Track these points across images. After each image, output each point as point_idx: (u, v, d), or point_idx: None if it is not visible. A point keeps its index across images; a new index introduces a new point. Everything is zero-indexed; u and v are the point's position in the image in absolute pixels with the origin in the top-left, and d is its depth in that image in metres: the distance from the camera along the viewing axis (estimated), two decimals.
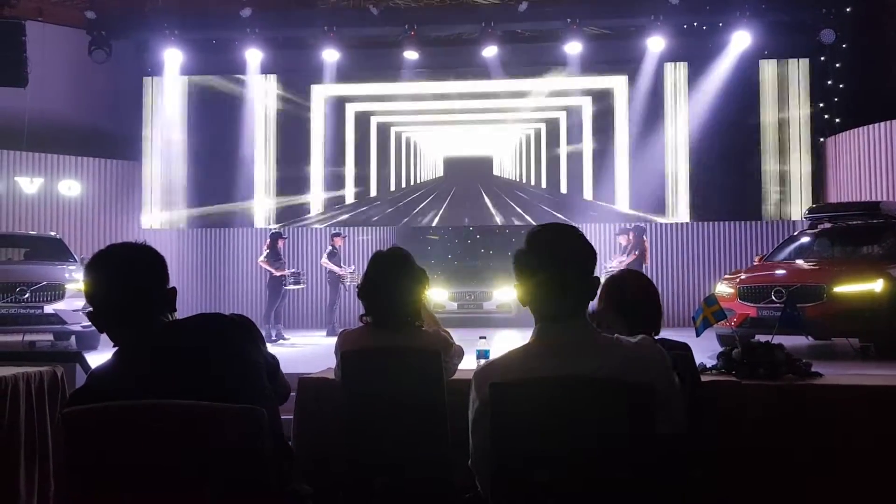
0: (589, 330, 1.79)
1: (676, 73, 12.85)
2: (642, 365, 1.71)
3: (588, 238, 1.86)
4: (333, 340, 2.97)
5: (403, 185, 13.60)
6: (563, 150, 13.25)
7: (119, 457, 1.64)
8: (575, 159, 13.21)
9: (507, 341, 8.82)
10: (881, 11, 12.08)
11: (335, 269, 11.35)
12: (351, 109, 13.63)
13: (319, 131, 13.61)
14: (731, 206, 12.75)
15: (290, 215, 13.64)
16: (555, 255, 1.79)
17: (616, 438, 1.64)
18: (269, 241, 10.97)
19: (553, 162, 13.30)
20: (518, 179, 13.41)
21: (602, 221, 12.90)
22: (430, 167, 13.56)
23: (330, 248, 11.55)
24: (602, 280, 2.60)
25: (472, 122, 13.55)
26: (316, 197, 13.64)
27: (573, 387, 1.69)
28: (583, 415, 1.66)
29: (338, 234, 11.78)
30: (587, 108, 13.19)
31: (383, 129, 13.62)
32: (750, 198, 12.68)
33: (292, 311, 13.37)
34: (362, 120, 13.64)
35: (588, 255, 1.83)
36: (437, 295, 12.34)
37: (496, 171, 13.45)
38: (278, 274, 10.74)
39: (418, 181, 13.58)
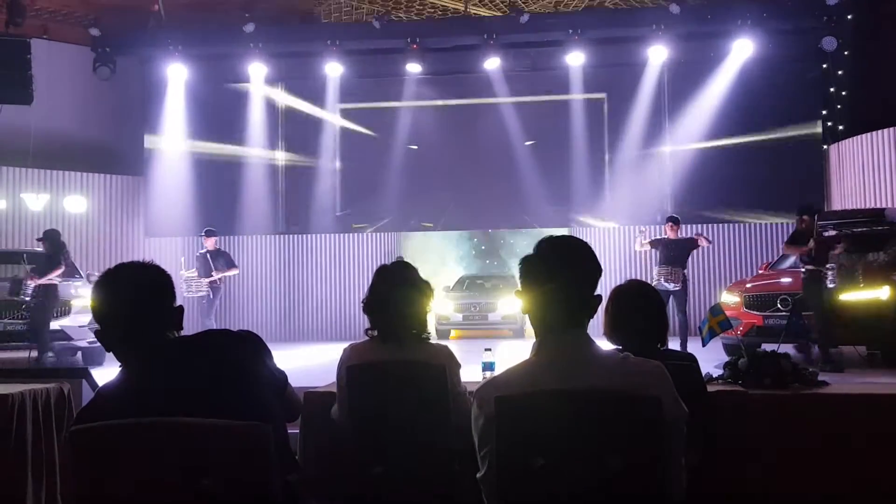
0: (589, 344, 1.79)
1: (679, 79, 12.84)
2: (644, 381, 1.71)
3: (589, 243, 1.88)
4: None
5: (404, 190, 13.42)
6: (569, 152, 13.17)
7: (126, 474, 1.64)
8: (580, 163, 13.15)
9: (513, 353, 8.80)
10: (882, 18, 12.10)
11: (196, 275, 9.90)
12: (353, 115, 13.57)
13: (322, 138, 13.59)
14: (732, 212, 12.74)
15: (293, 222, 13.62)
16: (563, 267, 1.80)
17: (621, 450, 1.64)
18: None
19: (560, 165, 13.20)
20: (524, 184, 13.24)
21: (605, 226, 12.95)
22: (432, 171, 13.42)
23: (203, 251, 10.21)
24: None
25: (478, 128, 13.42)
26: (318, 202, 13.59)
27: (579, 399, 1.68)
28: (588, 427, 1.65)
29: (211, 233, 10.37)
30: (588, 113, 13.15)
31: (384, 134, 13.51)
32: (751, 204, 12.66)
33: (301, 323, 13.41)
34: (363, 117, 13.56)
35: (595, 271, 1.83)
36: (442, 306, 12.31)
37: (501, 175, 13.29)
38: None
39: (419, 185, 13.40)
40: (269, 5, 13.28)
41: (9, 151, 12.42)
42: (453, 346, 3.06)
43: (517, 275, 1.88)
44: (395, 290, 2.84)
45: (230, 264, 10.37)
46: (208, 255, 10.09)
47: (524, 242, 13.22)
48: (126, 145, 13.57)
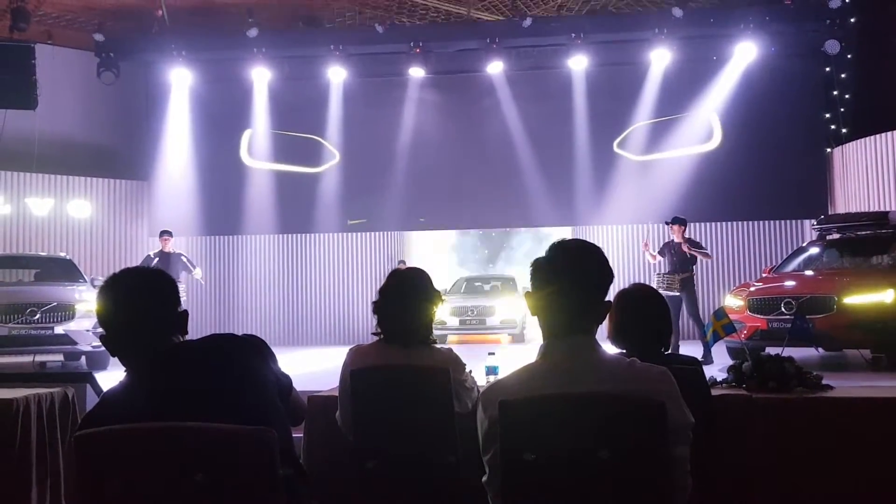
0: (595, 348, 1.79)
1: (682, 82, 12.80)
2: (650, 387, 1.71)
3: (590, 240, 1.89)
4: None
5: (406, 191, 13.34)
6: (572, 153, 13.11)
7: (130, 479, 1.65)
8: (583, 164, 13.09)
9: (514, 358, 8.76)
10: (886, 22, 12.09)
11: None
12: (356, 117, 13.55)
13: (324, 139, 13.57)
14: (735, 214, 12.73)
15: (292, 221, 13.60)
16: (565, 271, 1.80)
17: (625, 455, 1.64)
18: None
19: (562, 166, 13.12)
20: (526, 184, 13.15)
21: (611, 224, 12.94)
22: (434, 171, 13.29)
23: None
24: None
25: (480, 129, 13.35)
26: (320, 202, 13.54)
27: (584, 403, 1.68)
28: (592, 431, 1.65)
29: (167, 234, 10.31)
30: (590, 115, 13.09)
31: (387, 135, 13.45)
32: (754, 207, 12.62)
33: (307, 327, 13.41)
34: (367, 122, 13.53)
35: (606, 277, 1.84)
36: (438, 310, 12.08)
37: (503, 175, 13.18)
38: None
39: (421, 185, 13.27)
40: (272, 10, 13.31)
41: (13, 156, 12.44)
42: None
43: (516, 277, 1.90)
44: (404, 295, 2.87)
45: (190, 267, 10.35)
46: (160, 258, 9.96)
47: (525, 246, 13.14)
48: (130, 150, 13.59)
